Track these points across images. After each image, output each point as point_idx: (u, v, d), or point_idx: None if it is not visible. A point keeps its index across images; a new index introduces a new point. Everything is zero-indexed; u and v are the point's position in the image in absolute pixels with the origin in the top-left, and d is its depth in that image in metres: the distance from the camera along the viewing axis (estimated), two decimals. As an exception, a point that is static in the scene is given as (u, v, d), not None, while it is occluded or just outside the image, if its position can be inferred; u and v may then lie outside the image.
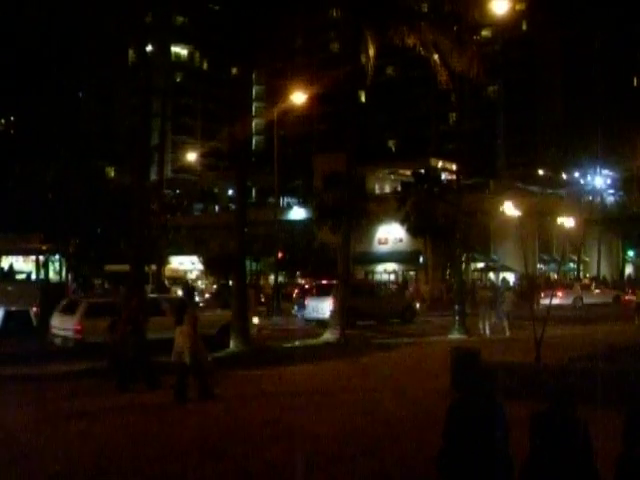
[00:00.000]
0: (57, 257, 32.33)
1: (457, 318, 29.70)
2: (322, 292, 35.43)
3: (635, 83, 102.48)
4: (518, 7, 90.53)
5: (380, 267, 68.90)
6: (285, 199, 78.53)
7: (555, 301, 39.23)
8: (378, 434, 11.62)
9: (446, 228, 46.51)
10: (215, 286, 58.64)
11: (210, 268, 65.58)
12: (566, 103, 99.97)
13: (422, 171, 63.29)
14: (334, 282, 34.42)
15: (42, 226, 36.52)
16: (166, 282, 48.97)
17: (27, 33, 49.43)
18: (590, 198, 79.32)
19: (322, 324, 30.78)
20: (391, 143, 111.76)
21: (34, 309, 29.28)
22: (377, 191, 73.52)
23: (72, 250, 41.25)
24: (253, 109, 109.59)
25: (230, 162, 60.24)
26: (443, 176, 66.31)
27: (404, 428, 12.06)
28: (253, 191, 78.73)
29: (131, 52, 71.48)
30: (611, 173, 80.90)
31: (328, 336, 27.31)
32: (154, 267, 41.32)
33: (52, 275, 31.74)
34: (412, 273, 67.42)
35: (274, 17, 27.32)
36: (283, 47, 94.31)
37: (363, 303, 34.79)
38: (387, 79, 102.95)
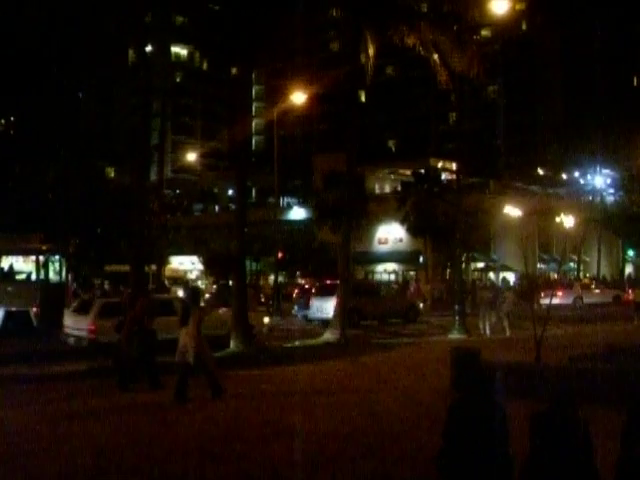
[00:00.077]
0: (57, 257, 32.32)
1: (457, 318, 29.70)
2: (326, 292, 35.38)
3: (635, 82, 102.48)
4: (518, 7, 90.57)
5: (380, 267, 68.92)
6: (285, 199, 78.59)
7: (555, 301, 39.24)
8: (378, 434, 11.61)
9: (446, 228, 46.53)
10: (215, 286, 58.68)
11: (210, 268, 65.58)
12: (566, 103, 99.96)
13: (422, 171, 63.30)
14: (338, 282, 34.59)
15: (42, 226, 36.54)
16: (166, 282, 49.01)
17: (27, 33, 49.41)
18: (590, 198, 79.28)
19: (326, 324, 30.87)
20: (391, 143, 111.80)
21: (34, 309, 29.29)
22: (377, 191, 73.57)
23: (72, 250, 41.26)
24: (253, 109, 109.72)
25: (230, 162, 60.31)
26: (443, 176, 66.30)
27: (404, 428, 12.06)
28: (253, 191, 78.79)
29: (131, 52, 71.52)
30: (611, 173, 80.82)
31: (328, 336, 27.33)
32: (154, 267, 41.35)
33: (52, 275, 31.74)
34: (412, 273, 67.42)
35: (274, 17, 27.34)
36: (283, 47, 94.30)
37: (367, 303, 35.01)
38: (387, 79, 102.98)
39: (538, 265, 69.67)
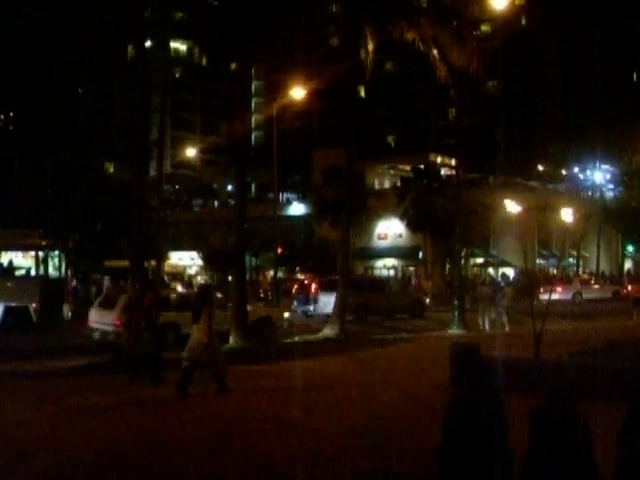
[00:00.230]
0: (56, 253, 32.32)
1: (457, 313, 29.75)
2: (332, 287, 35.29)
3: (635, 78, 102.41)
4: (517, 2, 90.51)
5: (380, 262, 68.89)
6: (284, 194, 78.56)
7: (554, 296, 39.33)
8: (378, 429, 11.62)
9: (445, 223, 46.51)
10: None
11: (209, 264, 65.53)
12: (566, 98, 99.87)
13: (421, 166, 63.28)
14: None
15: (41, 222, 36.49)
16: (165, 278, 48.98)
17: (26, 29, 49.35)
18: (590, 193, 79.25)
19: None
20: (390, 138, 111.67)
21: (33, 305, 29.29)
22: (377, 186, 73.52)
23: (71, 246, 41.22)
24: (252, 104, 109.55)
25: (229, 157, 60.14)
26: (442, 171, 66.33)
27: (404, 423, 12.07)
28: (252, 186, 78.80)
29: (130, 48, 71.34)
30: (611, 168, 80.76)
31: (328, 331, 27.34)
32: (153, 263, 41.30)
33: (51, 271, 31.73)
34: (411, 268, 67.42)
35: (273, 12, 27.26)
36: (282, 42, 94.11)
37: (373, 299, 35.37)
38: (386, 74, 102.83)
39: (537, 261, 69.69)
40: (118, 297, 24.11)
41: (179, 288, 42.41)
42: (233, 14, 27.52)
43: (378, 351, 22.82)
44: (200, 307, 15.36)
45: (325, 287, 37.41)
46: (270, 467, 9.52)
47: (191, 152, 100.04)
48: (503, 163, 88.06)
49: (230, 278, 30.63)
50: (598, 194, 76.08)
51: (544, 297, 37.02)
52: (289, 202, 77.41)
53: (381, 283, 42.91)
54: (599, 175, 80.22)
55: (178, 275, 62.81)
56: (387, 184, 75.48)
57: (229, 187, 78.28)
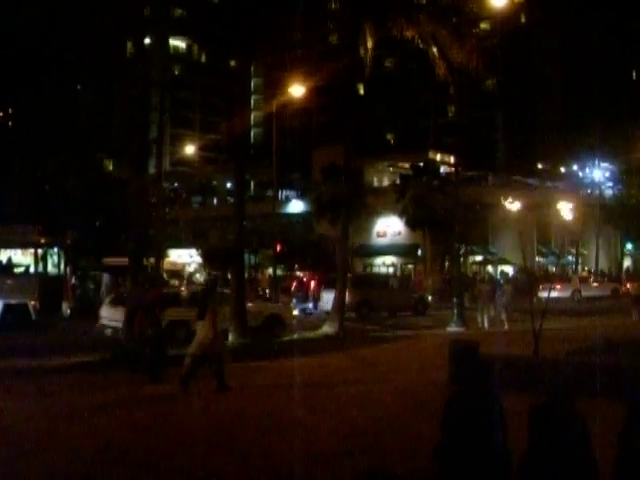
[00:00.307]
0: (55, 250, 32.32)
1: (456, 311, 29.76)
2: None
3: (634, 76, 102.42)
4: (517, 0, 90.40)
5: (379, 260, 68.89)
6: (284, 192, 78.44)
7: (553, 294, 39.34)
8: (376, 426, 11.63)
9: (445, 221, 46.51)
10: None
11: (209, 261, 65.51)
12: (565, 96, 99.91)
13: (421, 164, 63.25)
14: (349, 275, 35.36)
15: (40, 219, 36.52)
16: (164, 275, 48.92)
17: (26, 27, 49.33)
18: (589, 191, 79.27)
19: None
20: (390, 136, 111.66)
21: (32, 302, 29.29)
22: (376, 184, 73.49)
23: (70, 243, 41.19)
24: (252, 102, 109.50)
25: (229, 155, 60.15)
26: (442, 169, 66.23)
27: (402, 421, 12.08)
28: (252, 184, 78.69)
29: (129, 45, 71.32)
30: (610, 166, 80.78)
31: (327, 329, 27.34)
32: (152, 260, 41.26)
33: (50, 268, 31.74)
34: (410, 266, 67.43)
35: (273, 9, 27.28)
36: (282, 39, 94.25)
37: (376, 296, 35.64)
38: (386, 72, 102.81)
39: (536, 258, 69.71)
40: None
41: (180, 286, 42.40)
42: (232, 11, 27.51)
43: (377, 349, 22.81)
44: (206, 303, 15.39)
45: (329, 284, 37.52)
46: (268, 465, 9.52)
47: (190, 150, 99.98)
48: (502, 161, 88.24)
49: (229, 275, 30.68)
50: (597, 192, 76.06)
51: (543, 295, 37.05)
52: (288, 200, 77.36)
53: (384, 281, 43.40)
54: (598, 173, 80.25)
55: (177, 272, 62.74)
56: (386, 181, 75.44)
57: (228, 185, 78.18)
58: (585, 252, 73.60)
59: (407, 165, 67.42)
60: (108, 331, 24.05)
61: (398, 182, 70.07)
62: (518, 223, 56.54)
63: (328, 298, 34.69)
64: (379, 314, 36.25)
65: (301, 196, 76.02)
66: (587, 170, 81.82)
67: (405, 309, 37.23)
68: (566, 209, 68.33)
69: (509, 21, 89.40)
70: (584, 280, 55.46)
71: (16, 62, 48.66)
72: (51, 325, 29.03)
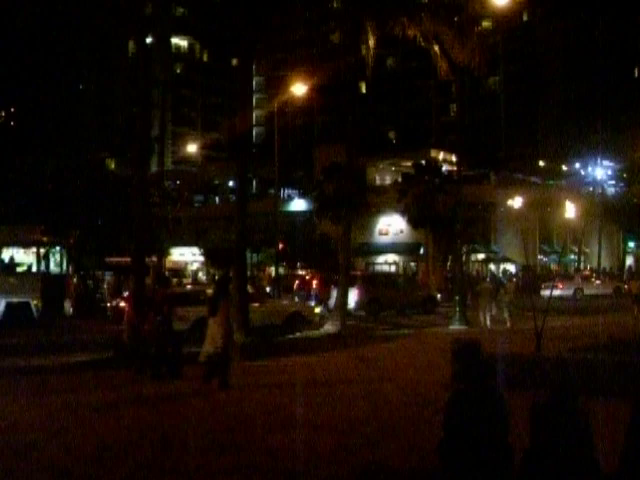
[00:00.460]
0: (58, 249, 32.36)
1: (458, 309, 29.76)
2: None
3: (636, 74, 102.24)
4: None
5: (381, 258, 68.92)
6: (286, 190, 78.51)
7: (556, 292, 39.33)
8: (378, 424, 11.63)
9: (447, 219, 46.51)
10: (216, 276, 58.63)
11: (211, 259, 65.56)
12: (567, 94, 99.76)
13: (423, 162, 63.16)
14: (357, 273, 35.70)
15: (43, 218, 36.57)
16: (167, 274, 48.98)
17: (27, 25, 49.34)
18: (591, 189, 79.24)
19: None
20: (392, 134, 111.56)
21: (35, 301, 29.33)
22: (378, 182, 73.42)
23: (73, 242, 41.27)
24: (254, 100, 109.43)
25: (231, 153, 60.13)
26: (444, 167, 66.15)
27: (404, 419, 12.07)
28: (254, 182, 78.68)
29: (131, 43, 71.35)
30: (612, 164, 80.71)
31: (329, 327, 27.35)
32: (155, 259, 41.32)
33: (53, 267, 31.78)
34: (413, 264, 67.44)
35: (274, 8, 27.27)
36: (283, 38, 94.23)
37: (386, 294, 35.82)
38: (388, 70, 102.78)
39: (539, 257, 69.69)
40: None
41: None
42: (234, 10, 27.51)
43: (379, 347, 22.81)
44: (218, 300, 15.41)
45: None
46: (271, 463, 9.53)
47: (192, 148, 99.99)
48: (504, 159, 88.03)
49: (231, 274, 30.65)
50: (599, 190, 76.02)
51: (545, 293, 37.05)
52: (290, 198, 77.39)
53: (394, 279, 43.86)
54: (600, 171, 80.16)
55: (179, 271, 62.82)
56: (388, 180, 75.40)
57: (230, 183, 78.22)
58: (587, 250, 73.59)
59: (409, 163, 67.34)
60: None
61: (400, 181, 70.08)
62: (520, 221, 56.57)
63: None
64: (389, 312, 36.44)
65: (303, 194, 76.02)
66: (589, 168, 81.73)
67: (414, 307, 37.48)
68: (568, 207, 68.30)
69: (511, 19, 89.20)
70: (586, 278, 55.44)
71: (18, 61, 48.68)
72: (53, 324, 29.06)
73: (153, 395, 14.68)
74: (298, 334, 26.20)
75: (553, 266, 69.59)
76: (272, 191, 61.93)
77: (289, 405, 13.25)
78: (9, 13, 47.79)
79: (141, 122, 22.99)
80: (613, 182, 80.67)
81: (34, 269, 31.20)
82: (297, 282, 46.14)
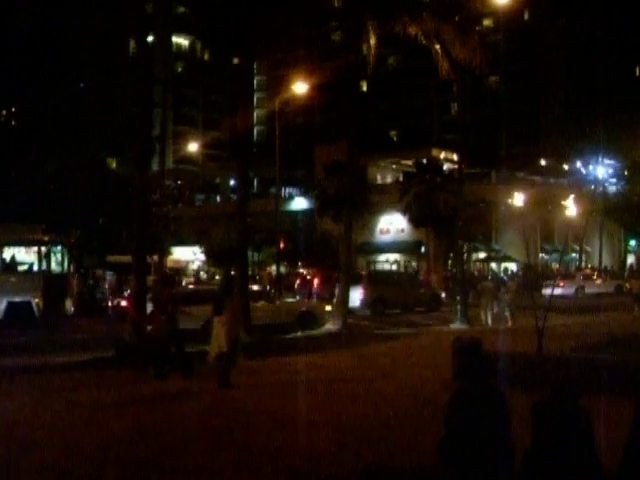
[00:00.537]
0: (59, 248, 32.36)
1: (459, 308, 29.74)
2: (352, 281, 36.24)
3: (638, 72, 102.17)
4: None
5: (382, 257, 68.87)
6: (287, 189, 78.51)
7: (557, 291, 39.29)
8: (380, 423, 11.63)
9: (448, 218, 46.50)
10: (217, 277, 58.77)
11: (212, 258, 65.59)
12: (568, 92, 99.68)
13: (424, 161, 63.19)
14: (363, 272, 35.87)
15: (44, 217, 36.55)
16: (168, 273, 48.99)
17: (29, 24, 49.34)
18: (592, 188, 79.19)
19: (351, 312, 31.89)
20: (393, 133, 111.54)
21: (36, 300, 29.33)
22: (379, 181, 73.43)
23: (74, 241, 41.27)
24: (255, 99, 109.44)
25: (232, 152, 60.16)
26: (445, 166, 66.16)
27: (406, 417, 12.07)
28: (255, 181, 78.71)
29: (132, 42, 71.34)
30: (613, 163, 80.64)
31: (330, 326, 27.35)
32: (156, 258, 41.31)
33: (54, 266, 31.77)
34: (414, 263, 67.39)
35: (275, 6, 27.26)
36: (284, 37, 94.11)
37: (391, 293, 35.98)
38: (389, 69, 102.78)
39: (540, 255, 69.64)
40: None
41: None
42: (234, 9, 27.49)
43: (380, 346, 22.80)
44: (222, 300, 15.41)
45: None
46: (273, 462, 9.53)
47: (193, 147, 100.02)
48: (506, 158, 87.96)
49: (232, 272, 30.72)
50: (601, 189, 75.96)
51: (547, 292, 37.03)
52: (291, 197, 77.37)
53: (399, 278, 43.99)
54: (602, 169, 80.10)
55: (180, 270, 62.83)
56: (389, 179, 75.39)
57: (231, 182, 78.24)
58: (589, 249, 73.52)
59: (410, 162, 67.37)
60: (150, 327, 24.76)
61: (401, 179, 70.10)
62: (521, 220, 56.46)
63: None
64: (394, 310, 36.60)
65: (304, 193, 76.01)
66: (591, 167, 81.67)
67: (419, 305, 37.59)
68: (570, 206, 68.24)
69: (512, 17, 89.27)
70: (587, 277, 55.39)
71: (19, 60, 48.68)
72: (55, 323, 29.06)
73: (155, 394, 14.68)
74: (299, 333, 26.22)
75: (554, 265, 69.48)
76: (273, 190, 61.95)
77: (290, 404, 13.25)
78: (10, 12, 47.78)
79: (142, 121, 22.98)
80: (614, 180, 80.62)
81: (35, 268, 31.20)
82: (298, 281, 46.20)
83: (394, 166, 75.51)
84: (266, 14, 26.62)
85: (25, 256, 32.08)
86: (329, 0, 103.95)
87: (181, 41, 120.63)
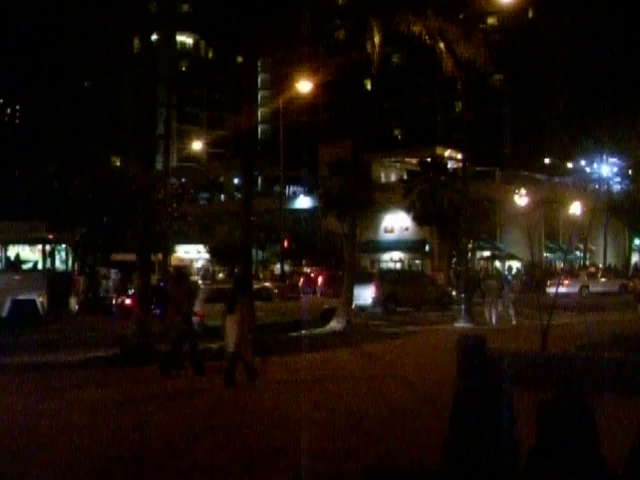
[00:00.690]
0: (63, 246, 32.39)
1: (463, 307, 29.72)
2: (364, 280, 36.91)
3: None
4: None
5: (386, 255, 68.89)
6: (291, 188, 78.52)
7: (561, 289, 39.31)
8: (384, 421, 11.63)
9: (452, 217, 46.47)
10: (221, 275, 58.87)
11: (216, 257, 65.67)
12: (572, 91, 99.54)
13: (428, 159, 63.16)
14: (374, 271, 35.98)
15: (48, 215, 36.59)
16: (172, 271, 49.04)
17: (32, 23, 49.40)
18: (596, 186, 79.07)
19: (363, 310, 33.05)
20: (397, 131, 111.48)
21: (40, 298, 29.36)
22: (383, 179, 73.45)
23: (78, 239, 41.32)
24: (259, 98, 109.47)
25: (236, 151, 60.21)
26: (449, 165, 66.16)
27: (410, 416, 12.07)
28: (259, 180, 78.75)
29: (136, 41, 71.38)
30: (618, 161, 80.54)
31: (334, 325, 27.33)
32: (160, 256, 41.36)
33: (58, 264, 31.81)
34: (418, 262, 67.41)
35: (279, 5, 27.25)
36: (288, 35, 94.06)
37: (402, 291, 36.30)
38: (393, 67, 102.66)
39: (544, 254, 69.59)
40: (198, 290, 25.98)
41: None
42: (238, 7, 27.49)
43: (384, 344, 22.79)
44: (235, 299, 15.40)
45: (357, 280, 37.86)
46: (276, 461, 9.52)
47: (197, 146, 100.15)
48: (510, 156, 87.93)
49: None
50: (605, 187, 75.87)
51: (551, 290, 37.01)
52: (295, 195, 77.40)
53: (410, 276, 44.36)
54: (606, 168, 79.99)
55: (185, 269, 62.87)
56: (394, 177, 75.37)
57: (236, 180, 78.38)
58: (593, 248, 73.46)
59: (414, 161, 67.31)
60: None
61: (405, 178, 70.05)
62: (526, 219, 56.47)
63: (358, 293, 34.71)
64: (405, 308, 36.95)
65: (308, 192, 76.04)
66: (595, 165, 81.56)
67: (430, 303, 37.74)
68: (574, 204, 68.19)
69: (516, 16, 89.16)
70: (592, 276, 55.34)
71: (23, 59, 48.75)
72: (59, 321, 29.10)
73: (159, 393, 14.68)
74: (303, 331, 26.23)
75: (558, 263, 69.46)
76: (277, 188, 61.98)
77: (293, 402, 13.24)
78: (14, 11, 47.85)
79: (146, 120, 23.00)
80: (619, 179, 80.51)
81: (40, 266, 31.22)
82: (302, 279, 46.20)
83: (398, 164, 75.50)
84: (270, 12, 26.61)
85: (29, 254, 32.11)
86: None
87: (185, 39, 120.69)
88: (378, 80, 79.23)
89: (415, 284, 39.42)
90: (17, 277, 30.49)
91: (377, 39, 27.84)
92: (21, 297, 29.43)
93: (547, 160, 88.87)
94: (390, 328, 28.58)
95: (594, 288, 51.39)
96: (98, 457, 9.82)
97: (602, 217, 68.17)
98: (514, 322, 28.36)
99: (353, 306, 30.95)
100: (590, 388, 6.44)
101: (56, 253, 31.76)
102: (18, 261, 31.62)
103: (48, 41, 50.45)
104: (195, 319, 21.98)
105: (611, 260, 71.46)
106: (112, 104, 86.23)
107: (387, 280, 38.65)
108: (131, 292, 31.18)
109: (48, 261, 31.21)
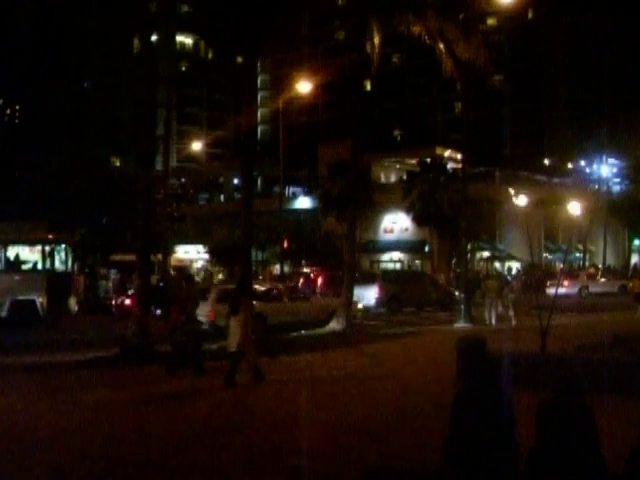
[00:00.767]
0: (63, 246, 32.39)
1: (463, 307, 29.73)
2: (367, 280, 37.44)
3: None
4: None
5: (386, 256, 68.87)
6: (291, 188, 78.53)
7: (561, 290, 39.30)
8: (383, 422, 11.63)
9: (452, 217, 46.47)
10: (221, 276, 58.85)
11: (216, 257, 65.66)
12: (572, 91, 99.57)
13: (428, 160, 63.15)
14: (377, 272, 36.16)
15: (48, 215, 36.61)
16: (171, 271, 49.06)
17: (32, 23, 49.40)
18: (596, 187, 79.08)
19: (366, 311, 32.92)
20: (397, 132, 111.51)
21: (40, 299, 29.36)
22: (383, 180, 73.46)
23: (78, 240, 41.32)
24: (258, 98, 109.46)
25: (236, 151, 60.21)
26: (449, 165, 66.15)
27: (410, 416, 12.07)
28: (259, 180, 78.75)
29: (136, 41, 71.39)
30: (617, 162, 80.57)
31: (334, 325, 27.33)
32: (160, 256, 41.38)
33: (58, 265, 31.80)
34: (417, 262, 67.39)
35: (278, 5, 27.25)
36: (287, 35, 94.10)
37: (406, 291, 36.55)
38: (393, 68, 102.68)
39: (544, 254, 69.59)
40: (210, 290, 26.62)
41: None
42: (238, 7, 27.49)
43: (383, 345, 22.80)
44: (239, 300, 15.41)
45: (359, 280, 37.86)
46: (276, 461, 9.53)
47: (197, 146, 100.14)
48: (509, 157, 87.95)
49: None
50: (605, 188, 75.88)
51: (551, 291, 37.02)
52: (295, 196, 77.39)
53: (413, 276, 44.62)
54: (605, 169, 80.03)
55: (184, 269, 62.87)
56: (393, 178, 75.40)
57: (235, 181, 78.41)
58: (593, 248, 73.47)
59: (414, 161, 67.29)
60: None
61: (405, 178, 70.03)
62: (525, 219, 56.43)
63: (359, 294, 34.72)
64: (409, 309, 37.11)
65: (308, 192, 76.04)
66: (595, 166, 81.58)
67: (433, 304, 37.82)
68: (574, 205, 68.19)
69: (516, 16, 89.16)
70: (591, 276, 55.36)
71: (23, 59, 48.75)
72: (59, 321, 29.08)
73: (159, 393, 14.69)
74: (303, 332, 26.23)
75: (558, 264, 69.44)
76: (277, 189, 61.94)
77: (293, 402, 13.25)
78: (14, 11, 47.85)
79: (146, 120, 23.01)
80: (618, 180, 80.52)
81: (39, 267, 31.22)
82: (302, 280, 46.22)
83: (398, 165, 75.51)
84: (270, 12, 26.60)
85: (29, 255, 32.10)
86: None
87: (185, 40, 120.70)
88: (378, 81, 79.29)
89: (418, 284, 39.63)
90: (17, 277, 30.48)
91: (377, 40, 27.85)
92: (21, 297, 29.43)
93: (547, 161, 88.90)
94: (391, 329, 28.58)
95: (594, 289, 51.40)
96: (98, 457, 9.83)
97: (602, 218, 68.18)
98: (514, 322, 28.37)
99: (361, 306, 31.22)
100: (590, 389, 6.45)
101: (56, 253, 31.75)
102: (18, 261, 31.61)
103: (48, 41, 50.45)
104: (205, 319, 22.12)
105: (611, 261, 71.48)
106: (112, 104, 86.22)
107: (390, 281, 38.97)
108: (131, 292, 31.15)
109: (48, 261, 31.20)
